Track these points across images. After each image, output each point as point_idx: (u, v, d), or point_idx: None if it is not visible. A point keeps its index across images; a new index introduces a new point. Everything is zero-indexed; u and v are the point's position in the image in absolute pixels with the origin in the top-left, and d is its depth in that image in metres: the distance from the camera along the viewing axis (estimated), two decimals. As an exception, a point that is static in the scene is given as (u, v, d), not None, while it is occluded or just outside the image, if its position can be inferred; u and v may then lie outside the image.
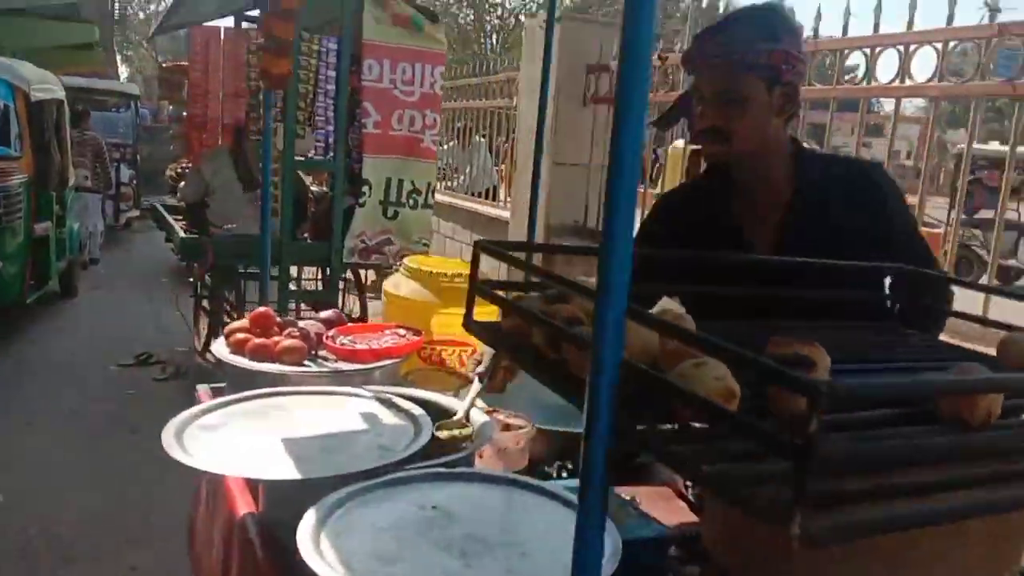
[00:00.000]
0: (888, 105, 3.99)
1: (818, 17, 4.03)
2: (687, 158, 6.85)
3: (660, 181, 8.07)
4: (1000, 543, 0.84)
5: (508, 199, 7.43)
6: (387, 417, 1.48)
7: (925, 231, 2.12)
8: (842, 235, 1.50)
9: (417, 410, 1.49)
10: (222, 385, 1.99)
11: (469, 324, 0.94)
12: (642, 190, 6.69)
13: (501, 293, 0.94)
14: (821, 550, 0.73)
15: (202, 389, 2.03)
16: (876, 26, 3.73)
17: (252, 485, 1.49)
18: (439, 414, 1.52)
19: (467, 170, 8.91)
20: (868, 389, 0.58)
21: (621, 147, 0.65)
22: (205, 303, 5.09)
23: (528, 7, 23.25)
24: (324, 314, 2.08)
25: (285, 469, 1.23)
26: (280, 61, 3.34)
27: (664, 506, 1.50)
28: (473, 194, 8.52)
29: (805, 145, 1.74)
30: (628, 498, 1.46)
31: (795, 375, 0.55)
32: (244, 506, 1.46)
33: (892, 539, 0.71)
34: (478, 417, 1.53)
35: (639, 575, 1.10)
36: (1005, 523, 0.83)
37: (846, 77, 3.94)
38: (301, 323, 1.94)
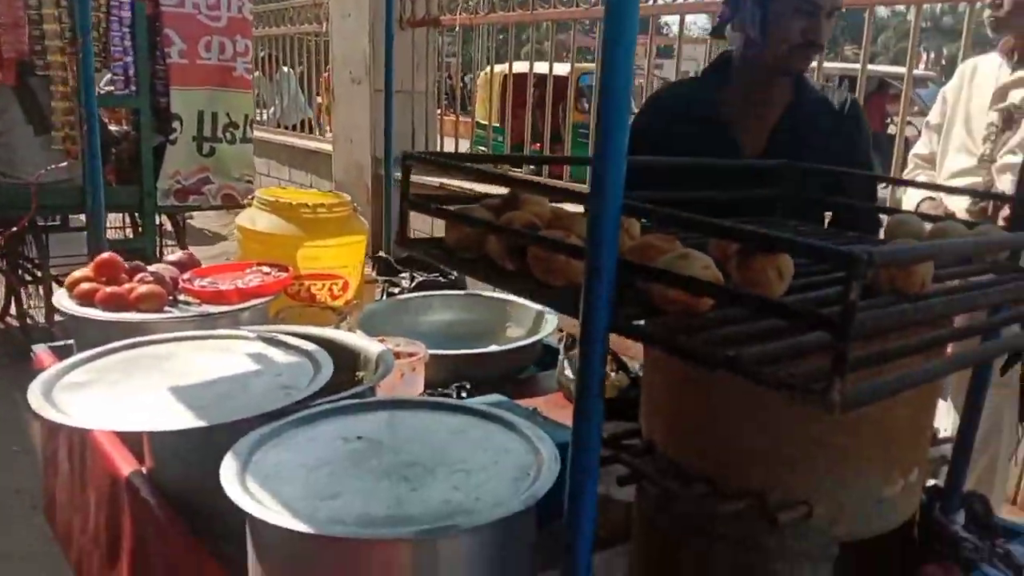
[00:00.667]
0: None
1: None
2: (500, 83, 6.90)
3: (472, 108, 8.06)
4: (923, 402, 0.91)
5: (329, 130, 7.13)
6: (280, 356, 1.39)
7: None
8: (820, 151, 1.62)
9: (309, 346, 1.41)
10: (65, 343, 1.79)
11: (406, 242, 0.88)
12: (453, 117, 6.65)
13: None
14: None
15: (40, 350, 1.82)
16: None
17: (131, 441, 1.36)
18: (329, 349, 1.45)
19: (276, 102, 8.43)
20: (888, 254, 0.60)
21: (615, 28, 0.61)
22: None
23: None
24: (173, 256, 1.92)
25: (186, 419, 1.13)
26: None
27: (560, 413, 1.53)
28: (284, 128, 8.11)
29: None
30: (532, 408, 1.47)
31: (832, 248, 0.56)
32: (127, 465, 1.33)
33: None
34: (374, 347, 1.47)
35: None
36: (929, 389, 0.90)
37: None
38: (151, 267, 1.77)
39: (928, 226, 1.07)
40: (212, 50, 4.20)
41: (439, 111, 6.19)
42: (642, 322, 0.68)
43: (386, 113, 2.96)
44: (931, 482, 1.28)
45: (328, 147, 6.87)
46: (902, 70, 3.90)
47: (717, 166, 1.38)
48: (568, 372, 1.67)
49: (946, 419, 2.35)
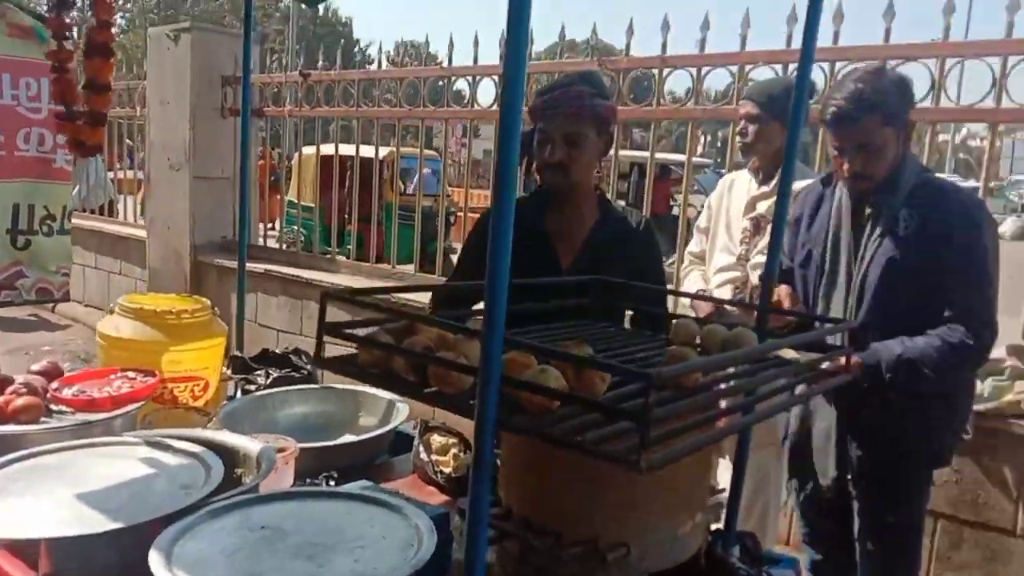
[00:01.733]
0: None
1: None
2: (318, 164, 7.12)
3: (288, 185, 8.16)
4: (702, 461, 1.27)
5: (141, 217, 7.00)
6: (171, 459, 1.54)
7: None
8: (621, 263, 1.98)
9: (195, 447, 1.57)
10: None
11: (324, 362, 1.12)
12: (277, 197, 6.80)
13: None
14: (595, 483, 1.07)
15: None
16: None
17: (26, 552, 1.45)
18: (211, 449, 1.60)
19: (80, 184, 8.09)
20: (669, 374, 0.93)
21: (499, 222, 0.91)
22: None
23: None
24: (37, 366, 1.99)
25: (100, 523, 1.27)
26: None
27: (420, 492, 1.78)
28: (88, 211, 7.82)
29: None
30: (395, 491, 1.71)
31: (634, 370, 0.89)
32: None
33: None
34: (254, 446, 1.64)
35: (447, 545, 1.37)
36: (705, 453, 1.26)
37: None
38: (19, 378, 1.85)
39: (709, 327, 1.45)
40: (31, 142, 4.15)
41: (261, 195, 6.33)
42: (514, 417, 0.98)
43: (241, 206, 3.08)
44: (715, 526, 1.65)
45: (140, 232, 6.75)
46: (683, 157, 4.60)
47: (541, 283, 1.72)
48: (423, 455, 1.91)
49: (726, 474, 2.81)
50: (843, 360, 1.36)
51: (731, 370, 1.31)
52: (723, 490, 1.56)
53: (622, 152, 4.13)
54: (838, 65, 3.22)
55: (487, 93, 4.44)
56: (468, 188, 5.02)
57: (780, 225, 1.55)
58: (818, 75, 3.39)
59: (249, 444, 1.66)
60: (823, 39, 1.91)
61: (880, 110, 2.03)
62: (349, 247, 7.39)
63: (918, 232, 2.03)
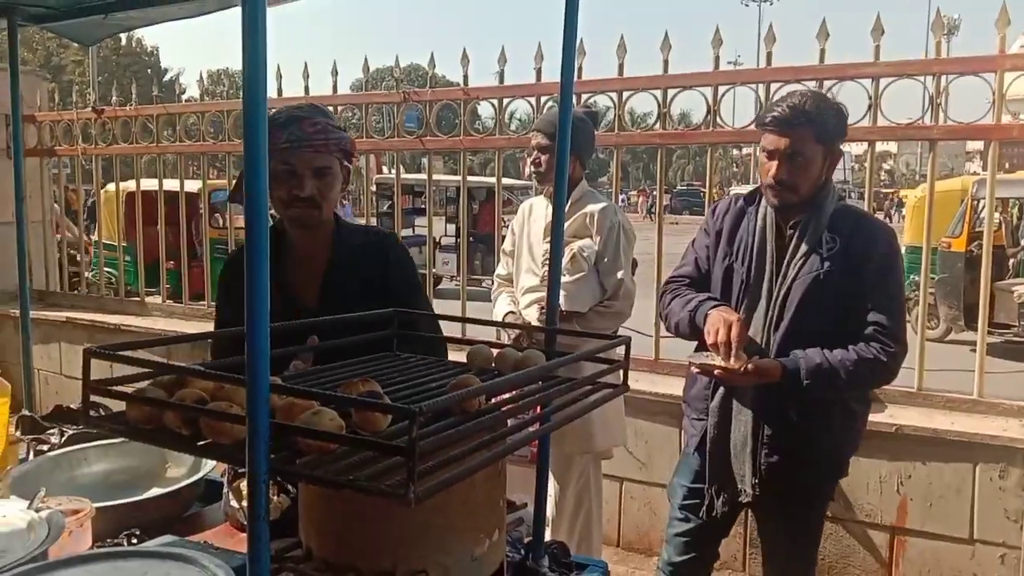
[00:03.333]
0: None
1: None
2: (125, 201, 6.76)
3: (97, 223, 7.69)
4: (495, 479, 1.33)
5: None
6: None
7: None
8: (373, 291, 1.92)
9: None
10: None
11: (90, 422, 1.08)
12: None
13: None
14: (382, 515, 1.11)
15: None
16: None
17: None
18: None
19: None
20: (436, 405, 0.98)
21: (253, 248, 0.92)
22: None
23: None
24: None
25: None
26: None
27: (232, 541, 1.74)
28: None
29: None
30: (203, 542, 1.67)
31: (397, 406, 0.92)
32: None
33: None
34: (34, 514, 1.56)
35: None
36: (495, 465, 1.32)
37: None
38: None
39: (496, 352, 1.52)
40: None
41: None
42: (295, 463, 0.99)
43: (19, 251, 2.88)
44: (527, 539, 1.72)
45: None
46: (511, 181, 4.74)
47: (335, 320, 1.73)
48: (233, 503, 1.87)
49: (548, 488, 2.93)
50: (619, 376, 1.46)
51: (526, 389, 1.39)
52: (523, 505, 1.63)
53: (447, 177, 4.21)
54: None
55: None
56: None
57: (557, 248, 1.65)
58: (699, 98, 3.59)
59: (32, 517, 1.56)
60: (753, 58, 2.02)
61: (817, 125, 2.13)
62: (165, 286, 7.02)
63: (841, 254, 2.14)
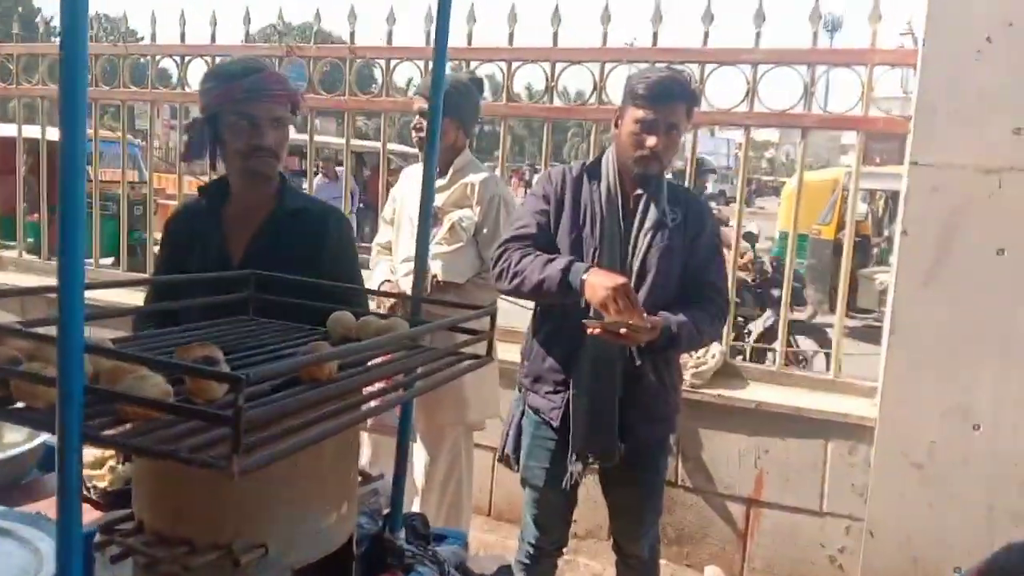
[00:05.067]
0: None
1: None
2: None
3: None
4: (345, 450, 1.28)
5: None
6: None
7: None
8: (301, 256, 1.90)
9: None
10: None
11: None
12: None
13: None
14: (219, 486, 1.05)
15: None
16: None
17: None
18: None
19: None
20: (262, 373, 0.92)
21: (66, 212, 0.84)
22: None
23: None
24: None
25: None
26: None
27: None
28: None
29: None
30: (36, 513, 1.55)
31: (219, 371, 0.86)
32: None
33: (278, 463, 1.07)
34: None
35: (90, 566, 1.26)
36: (345, 436, 1.27)
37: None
38: None
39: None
40: None
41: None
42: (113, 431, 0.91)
43: None
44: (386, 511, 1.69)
45: None
46: (405, 148, 4.61)
47: (194, 280, 1.64)
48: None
49: (418, 458, 2.90)
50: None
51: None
52: (379, 477, 1.59)
53: (333, 139, 4.06)
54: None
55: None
56: (181, 174, 4.57)
57: (427, 216, 1.60)
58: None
59: None
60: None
61: (691, 100, 2.30)
62: (31, 240, 6.51)
63: (682, 225, 2.32)
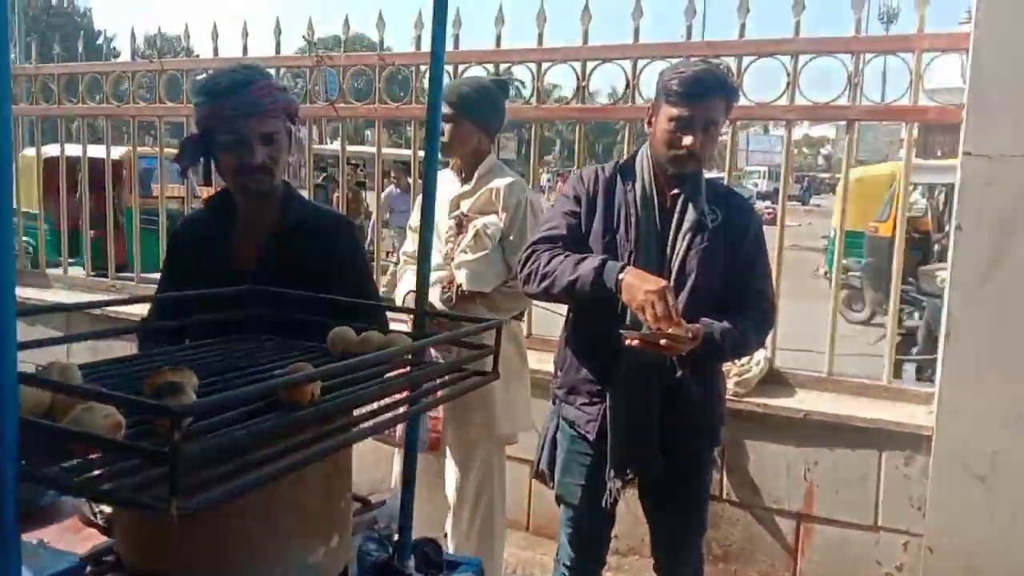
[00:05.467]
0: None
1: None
2: (40, 166, 6.40)
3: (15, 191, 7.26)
4: (333, 478, 1.20)
5: None
6: None
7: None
8: (305, 269, 1.83)
9: None
10: None
11: None
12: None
13: None
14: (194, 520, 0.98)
15: None
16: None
17: None
18: None
19: None
20: (206, 404, 0.84)
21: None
22: None
23: None
24: None
25: None
26: None
27: (74, 538, 1.59)
28: None
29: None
30: (37, 542, 1.51)
31: (155, 403, 0.79)
32: None
33: (252, 496, 0.99)
34: None
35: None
36: (333, 463, 1.19)
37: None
38: None
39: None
40: None
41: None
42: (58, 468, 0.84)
43: None
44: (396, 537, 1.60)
45: None
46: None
47: (194, 296, 1.58)
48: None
49: (450, 474, 2.82)
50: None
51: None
52: (380, 502, 1.51)
53: (361, 148, 4.04)
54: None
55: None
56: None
57: (428, 226, 1.52)
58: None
59: None
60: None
61: (729, 93, 2.17)
62: (84, 256, 6.63)
63: (723, 227, 2.19)
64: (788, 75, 3.05)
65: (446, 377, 1.39)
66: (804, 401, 3.07)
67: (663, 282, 1.99)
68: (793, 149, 3.46)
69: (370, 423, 1.16)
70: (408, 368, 1.42)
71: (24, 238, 6.93)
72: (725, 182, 3.13)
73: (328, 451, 1.02)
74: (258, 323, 1.62)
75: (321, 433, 1.07)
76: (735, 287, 2.21)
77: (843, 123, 3.17)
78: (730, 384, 3.06)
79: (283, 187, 1.99)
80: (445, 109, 2.65)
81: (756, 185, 31.44)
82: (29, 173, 8.35)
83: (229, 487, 0.81)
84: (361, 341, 1.44)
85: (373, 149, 4.93)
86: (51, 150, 5.17)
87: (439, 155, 2.78)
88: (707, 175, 2.31)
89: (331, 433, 1.08)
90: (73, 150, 5.11)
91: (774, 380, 3.21)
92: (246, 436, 0.87)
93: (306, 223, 1.97)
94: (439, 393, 1.40)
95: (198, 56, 4.96)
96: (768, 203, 21.49)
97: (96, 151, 5.01)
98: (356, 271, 2.03)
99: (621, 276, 2.02)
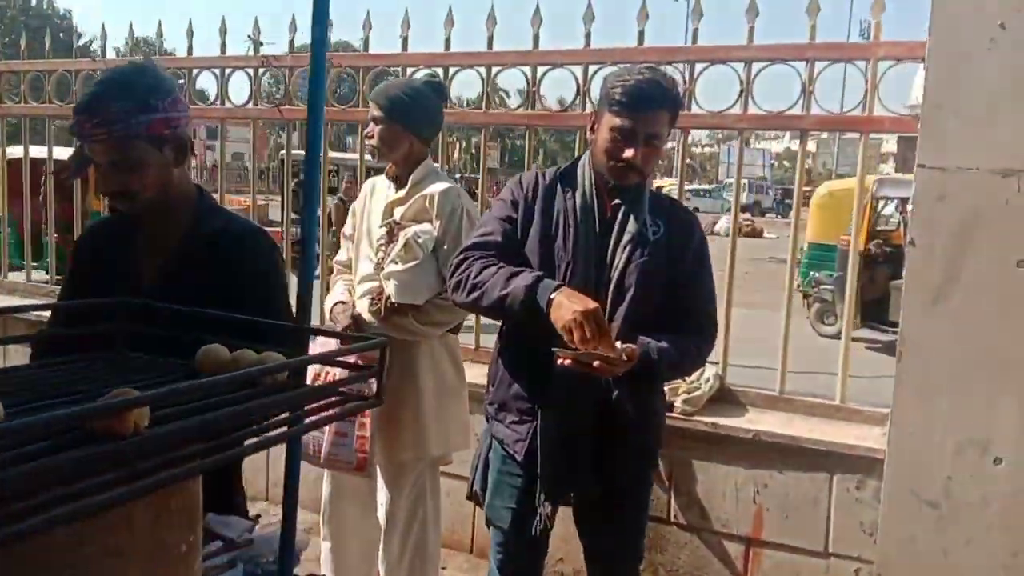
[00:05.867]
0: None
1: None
2: (4, 168, 6.20)
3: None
4: (163, 518, 1.06)
5: None
6: None
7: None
8: (209, 284, 1.66)
9: None
10: None
11: None
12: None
13: None
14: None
15: None
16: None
17: None
18: None
19: None
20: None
21: None
22: None
23: None
24: None
25: None
26: None
27: None
28: None
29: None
30: None
31: None
32: None
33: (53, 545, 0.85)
34: None
35: None
36: (164, 503, 1.05)
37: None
38: None
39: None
40: None
41: None
42: None
43: None
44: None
45: None
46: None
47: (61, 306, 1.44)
48: None
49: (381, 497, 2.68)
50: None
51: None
52: (250, 540, 1.36)
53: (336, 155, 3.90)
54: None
55: (240, 89, 4.00)
56: (223, 193, 4.42)
57: (311, 239, 1.38)
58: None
59: None
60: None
61: (673, 105, 2.07)
62: (47, 260, 6.38)
63: (664, 240, 2.09)
64: (741, 83, 2.94)
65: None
66: (754, 421, 2.95)
67: (594, 304, 1.86)
68: (773, 162, 3.36)
69: (210, 459, 1.02)
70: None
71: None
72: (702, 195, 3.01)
73: (140, 492, 0.88)
74: (139, 340, 1.48)
75: (141, 470, 0.94)
76: (677, 302, 2.11)
77: (825, 136, 3.06)
78: (678, 402, 2.94)
79: (196, 195, 1.85)
80: (375, 111, 2.52)
81: (736, 197, 31.44)
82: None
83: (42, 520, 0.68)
84: (232, 360, 1.31)
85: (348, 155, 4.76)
86: (16, 151, 4.96)
87: (374, 159, 2.66)
88: (689, 187, 2.20)
89: (150, 471, 0.95)
90: (39, 152, 4.94)
91: (724, 398, 3.09)
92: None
93: (216, 235, 1.81)
94: (313, 419, 1.27)
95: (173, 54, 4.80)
96: (747, 215, 21.50)
97: (63, 153, 4.85)
98: (267, 286, 1.85)
99: (553, 296, 1.90)
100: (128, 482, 0.92)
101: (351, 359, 1.62)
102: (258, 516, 2.82)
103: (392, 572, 2.70)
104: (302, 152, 3.92)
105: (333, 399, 1.27)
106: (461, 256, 2.11)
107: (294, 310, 2.30)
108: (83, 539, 0.95)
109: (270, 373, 1.15)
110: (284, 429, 1.18)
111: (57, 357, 1.41)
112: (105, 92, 1.63)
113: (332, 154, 12.85)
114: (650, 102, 2.00)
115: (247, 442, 1.12)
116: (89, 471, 0.88)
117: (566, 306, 1.86)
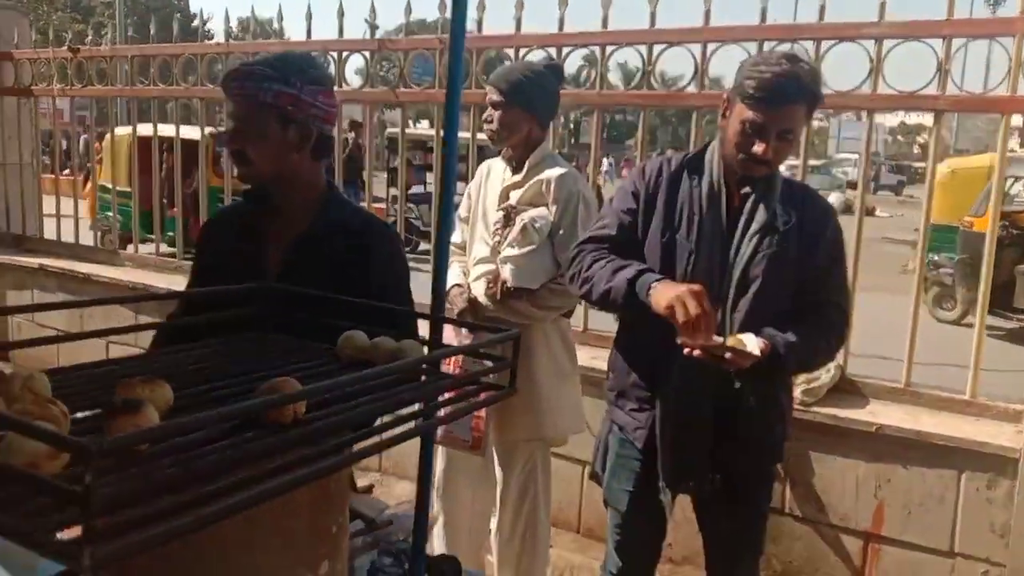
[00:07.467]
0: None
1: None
2: (128, 147, 6.56)
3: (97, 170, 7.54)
4: (321, 504, 1.11)
5: None
6: None
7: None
8: (335, 274, 1.73)
9: None
10: None
11: None
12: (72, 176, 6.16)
13: None
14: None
15: None
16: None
17: None
18: None
19: None
20: (127, 439, 0.75)
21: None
22: None
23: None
24: None
25: None
26: None
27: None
28: None
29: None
30: None
31: (59, 435, 0.70)
32: None
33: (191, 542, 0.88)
34: None
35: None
36: (321, 488, 1.09)
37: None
38: None
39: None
40: None
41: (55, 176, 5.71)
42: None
43: None
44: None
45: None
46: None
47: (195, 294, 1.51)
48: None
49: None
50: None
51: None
52: (385, 523, 1.41)
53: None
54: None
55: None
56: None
57: (446, 224, 1.40)
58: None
59: None
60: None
61: (811, 99, 1.97)
62: (171, 234, 6.69)
63: (796, 230, 2.01)
64: (871, 61, 2.80)
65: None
66: (877, 413, 2.85)
67: (696, 287, 1.82)
68: (887, 137, 3.21)
69: (361, 445, 1.06)
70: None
71: (108, 213, 7.15)
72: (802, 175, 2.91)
73: (290, 485, 0.91)
74: (274, 324, 1.54)
75: (302, 457, 0.98)
76: (808, 296, 2.04)
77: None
78: (797, 392, 2.86)
79: (325, 188, 1.90)
80: (494, 96, 2.53)
81: (846, 173, 30.18)
82: (121, 152, 8.62)
83: (146, 536, 0.71)
84: (372, 347, 1.35)
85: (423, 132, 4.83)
86: (146, 129, 5.23)
87: (491, 143, 2.67)
88: (794, 162, 2.12)
89: (313, 458, 0.99)
90: (167, 130, 5.22)
91: (845, 389, 2.99)
92: (178, 474, 0.78)
93: (338, 226, 1.85)
94: (448, 410, 1.30)
95: (289, 39, 4.96)
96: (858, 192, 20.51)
97: (189, 132, 5.12)
98: (390, 276, 1.88)
99: (654, 284, 1.89)
100: (300, 467, 0.96)
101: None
102: (371, 486, 2.93)
103: (503, 549, 2.75)
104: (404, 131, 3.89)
105: (469, 388, 1.29)
106: (577, 249, 2.13)
107: (428, 298, 2.37)
108: (254, 521, 1.00)
109: (433, 362, 1.18)
110: (422, 419, 1.21)
111: (185, 341, 1.48)
112: (260, 61, 1.78)
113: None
114: (785, 97, 1.90)
115: (389, 433, 1.15)
116: (270, 456, 0.93)
117: (663, 290, 1.85)
